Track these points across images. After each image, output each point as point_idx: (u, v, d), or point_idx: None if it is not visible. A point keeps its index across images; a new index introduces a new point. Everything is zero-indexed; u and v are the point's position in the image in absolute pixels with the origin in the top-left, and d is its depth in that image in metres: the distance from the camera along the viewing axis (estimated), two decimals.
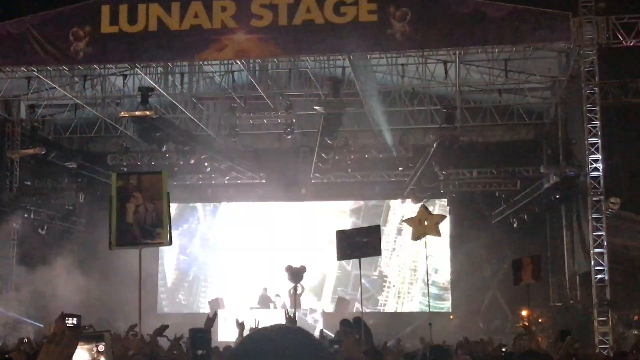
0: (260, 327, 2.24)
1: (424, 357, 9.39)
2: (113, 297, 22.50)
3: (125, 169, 25.04)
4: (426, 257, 16.77)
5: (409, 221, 16.69)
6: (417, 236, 16.22)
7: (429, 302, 17.39)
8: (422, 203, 21.00)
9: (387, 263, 27.51)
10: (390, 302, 27.55)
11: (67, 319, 8.51)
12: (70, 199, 26.43)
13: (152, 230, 8.36)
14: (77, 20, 20.67)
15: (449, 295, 26.91)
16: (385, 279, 27.54)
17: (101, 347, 5.06)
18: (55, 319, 8.59)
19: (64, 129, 26.41)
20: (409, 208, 26.27)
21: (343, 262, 23.24)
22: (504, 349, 11.32)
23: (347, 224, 26.18)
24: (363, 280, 16.37)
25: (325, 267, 27.37)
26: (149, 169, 24.83)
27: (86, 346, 5.03)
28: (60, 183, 26.29)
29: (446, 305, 26.92)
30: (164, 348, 8.73)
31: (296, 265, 16.49)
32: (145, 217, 8.32)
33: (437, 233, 16.47)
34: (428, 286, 18.38)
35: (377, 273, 27.48)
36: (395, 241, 27.67)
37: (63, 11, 21.06)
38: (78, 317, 9.45)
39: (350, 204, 28.29)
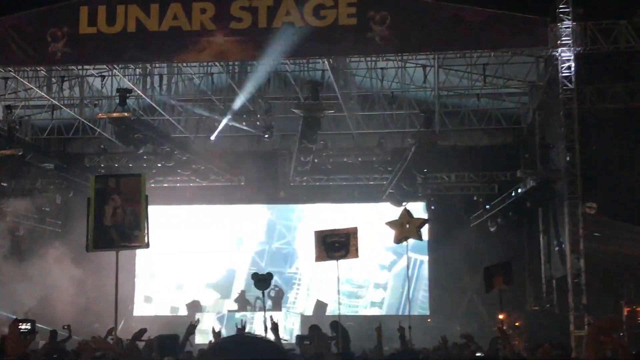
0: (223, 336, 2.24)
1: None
2: (89, 298, 22.38)
3: (103, 171, 24.94)
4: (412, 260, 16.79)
5: (391, 224, 16.71)
6: (398, 239, 16.25)
7: (409, 306, 17.41)
8: (404, 206, 21.00)
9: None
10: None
11: (20, 324, 8.46)
12: (48, 201, 26.27)
13: (130, 233, 8.32)
14: (55, 21, 20.56)
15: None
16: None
17: None
18: (9, 324, 8.51)
19: (41, 130, 26.25)
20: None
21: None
22: (478, 354, 11.36)
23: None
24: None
25: (304, 270, 27.43)
26: (126, 170, 24.75)
27: None
28: (37, 184, 26.13)
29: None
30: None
31: (262, 272, 16.45)
32: (124, 219, 8.28)
33: (419, 236, 16.51)
34: (408, 289, 18.36)
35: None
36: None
37: (41, 12, 20.94)
38: (32, 322, 9.42)
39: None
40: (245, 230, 28.58)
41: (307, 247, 23.27)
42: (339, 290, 14.91)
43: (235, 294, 27.62)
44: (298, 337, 10.42)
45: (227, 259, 28.36)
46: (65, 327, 13.11)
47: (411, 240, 16.16)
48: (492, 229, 24.99)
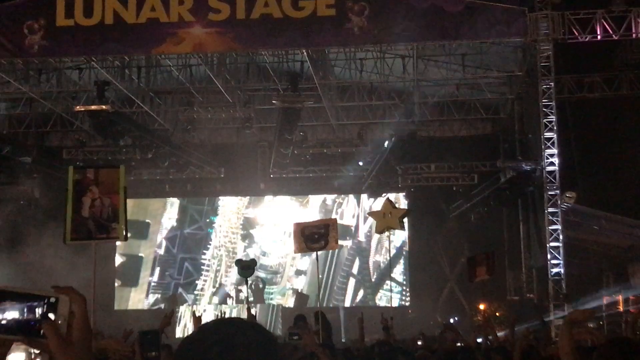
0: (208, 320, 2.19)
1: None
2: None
3: (81, 164, 24.77)
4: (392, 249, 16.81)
5: (373, 214, 16.71)
6: (380, 229, 16.27)
7: (391, 297, 17.44)
8: (386, 196, 20.98)
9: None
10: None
11: None
12: (25, 194, 26.07)
13: (108, 225, 8.23)
14: (32, 13, 20.38)
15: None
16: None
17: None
18: None
19: (18, 124, 26.01)
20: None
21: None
22: (459, 343, 11.36)
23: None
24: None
25: (285, 260, 27.42)
26: (105, 163, 24.59)
27: (23, 346, 4.96)
28: (15, 178, 25.90)
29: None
30: None
31: (246, 259, 16.40)
32: (101, 211, 8.18)
33: (401, 227, 16.54)
34: (391, 283, 18.36)
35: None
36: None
37: (17, 4, 20.74)
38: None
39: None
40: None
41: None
42: (319, 281, 14.94)
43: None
44: (289, 331, 10.31)
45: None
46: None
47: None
48: (472, 219, 25.06)
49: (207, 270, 27.82)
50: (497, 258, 14.23)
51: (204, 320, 10.20)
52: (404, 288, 27.23)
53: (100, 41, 20.31)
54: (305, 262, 27.19)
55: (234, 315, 24.36)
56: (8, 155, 24.26)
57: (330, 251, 26.08)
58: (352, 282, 27.64)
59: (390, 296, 17.49)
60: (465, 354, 7.23)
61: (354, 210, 28.11)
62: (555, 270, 19.62)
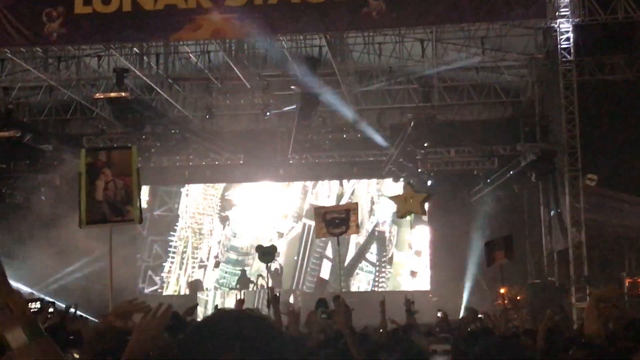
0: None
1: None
2: (93, 278, 22.54)
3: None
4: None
5: (395, 199, 16.72)
6: (402, 214, 16.28)
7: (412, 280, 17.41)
8: (407, 181, 20.97)
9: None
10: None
11: (29, 304, 8.44)
12: (46, 182, 26.22)
13: (122, 208, 8.20)
14: (50, 1, 20.39)
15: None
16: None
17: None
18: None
19: (39, 112, 26.14)
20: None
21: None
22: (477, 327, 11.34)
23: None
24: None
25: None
26: (117, 145, 24.66)
27: None
28: (36, 166, 26.04)
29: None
30: None
31: (267, 244, 16.45)
32: (115, 194, 8.16)
33: (422, 211, 16.56)
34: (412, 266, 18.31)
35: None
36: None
37: None
38: (41, 300, 9.39)
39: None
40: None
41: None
42: (339, 267, 14.95)
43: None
44: (319, 301, 10.15)
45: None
46: (73, 305, 13.07)
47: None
48: (492, 203, 24.95)
49: (175, 253, 28.02)
50: (517, 242, 14.20)
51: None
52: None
53: (119, 28, 20.32)
54: (281, 244, 27.26)
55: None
56: (29, 143, 24.41)
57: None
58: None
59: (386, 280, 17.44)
60: (488, 337, 7.18)
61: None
62: (576, 253, 19.52)
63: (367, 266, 27.29)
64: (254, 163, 27.08)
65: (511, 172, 23.57)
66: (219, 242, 28.03)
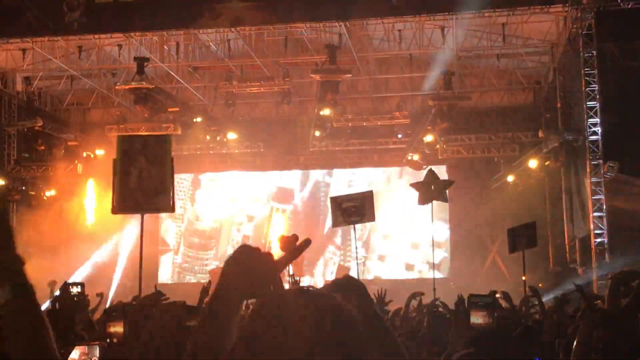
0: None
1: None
2: (110, 266, 22.71)
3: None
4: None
5: (416, 185, 16.67)
6: (424, 200, 16.23)
7: (433, 269, 17.39)
8: (429, 167, 20.91)
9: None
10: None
11: (71, 287, 8.53)
12: (69, 170, 26.39)
13: (156, 196, 8.22)
14: None
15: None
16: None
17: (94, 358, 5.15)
18: (60, 288, 8.53)
19: (60, 101, 26.31)
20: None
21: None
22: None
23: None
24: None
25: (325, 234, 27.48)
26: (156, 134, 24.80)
27: (79, 351, 5.10)
28: (58, 154, 26.21)
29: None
30: None
31: (288, 234, 16.52)
32: (149, 182, 8.17)
33: (444, 198, 16.51)
34: (433, 252, 18.24)
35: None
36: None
37: None
38: (82, 285, 9.47)
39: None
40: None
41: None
42: (356, 254, 14.96)
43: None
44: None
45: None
46: (98, 294, 13.18)
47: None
48: (513, 190, 24.87)
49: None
50: (539, 229, 14.14)
51: None
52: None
53: (139, 17, 20.38)
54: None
55: None
56: (51, 132, 24.56)
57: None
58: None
59: (433, 269, 17.45)
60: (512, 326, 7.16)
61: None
62: (598, 240, 19.45)
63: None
64: (274, 151, 27.11)
65: (533, 159, 23.47)
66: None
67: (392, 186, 27.58)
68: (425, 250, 26.06)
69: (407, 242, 27.37)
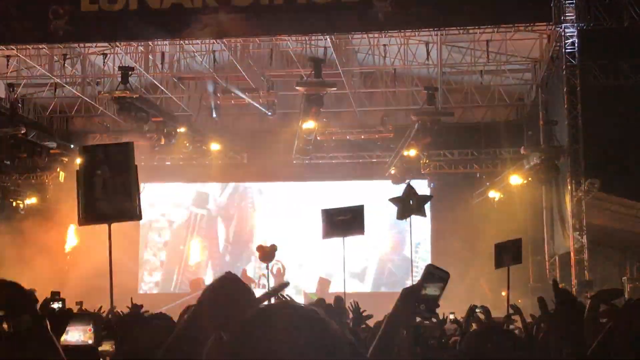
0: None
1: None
2: (93, 277, 22.47)
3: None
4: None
5: (395, 200, 16.70)
6: (402, 215, 16.26)
7: (412, 280, 17.43)
8: (408, 182, 20.96)
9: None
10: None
11: (52, 302, 8.47)
12: (51, 179, 26.29)
13: (121, 205, 8.15)
14: None
15: None
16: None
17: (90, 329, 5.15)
18: (41, 305, 8.47)
19: (44, 109, 26.23)
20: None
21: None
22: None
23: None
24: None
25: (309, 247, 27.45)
26: (115, 142, 24.68)
27: (80, 327, 5.09)
28: (40, 163, 26.10)
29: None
30: None
31: (267, 245, 16.51)
32: (113, 191, 8.09)
33: (423, 213, 16.53)
34: (412, 267, 18.32)
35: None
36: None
37: None
38: (63, 300, 9.41)
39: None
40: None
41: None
42: (344, 268, 14.97)
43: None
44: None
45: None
46: (77, 303, 13.08)
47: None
48: (495, 206, 24.97)
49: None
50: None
51: None
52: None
53: (125, 27, 20.37)
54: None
55: None
56: (33, 140, 24.45)
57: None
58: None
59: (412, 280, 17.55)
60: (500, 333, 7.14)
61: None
62: (578, 257, 19.54)
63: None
64: (258, 163, 27.10)
65: (514, 175, 23.59)
66: None
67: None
68: (404, 264, 26.18)
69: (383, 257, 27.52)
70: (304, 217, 26.53)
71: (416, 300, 2.84)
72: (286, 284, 2.29)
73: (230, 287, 2.14)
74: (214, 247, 28.55)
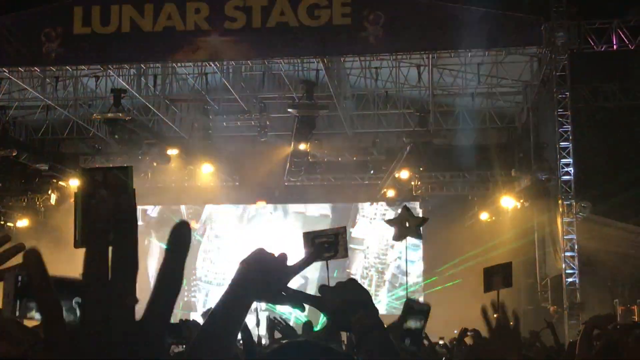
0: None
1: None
2: None
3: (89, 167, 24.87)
4: (404, 259, 16.82)
5: (391, 222, 16.73)
6: (398, 237, 16.28)
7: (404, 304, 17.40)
8: (403, 204, 20.99)
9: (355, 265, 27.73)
10: None
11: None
12: (43, 201, 26.23)
13: None
14: (49, 21, 20.52)
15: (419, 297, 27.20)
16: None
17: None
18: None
19: (35, 131, 26.18)
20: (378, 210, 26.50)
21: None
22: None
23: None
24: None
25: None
26: (114, 165, 24.62)
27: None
28: (32, 185, 26.07)
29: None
30: None
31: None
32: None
33: (418, 235, 16.57)
34: (407, 288, 18.33)
35: (345, 275, 27.58)
36: (363, 243, 27.93)
37: (35, 12, 20.90)
38: None
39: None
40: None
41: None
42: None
43: None
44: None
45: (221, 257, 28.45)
46: None
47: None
48: (486, 228, 25.01)
49: None
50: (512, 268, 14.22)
51: None
52: None
53: (117, 49, 20.42)
54: None
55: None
56: (24, 162, 24.43)
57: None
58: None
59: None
60: None
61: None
62: (570, 279, 19.57)
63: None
64: (250, 185, 27.12)
65: (505, 198, 23.65)
66: None
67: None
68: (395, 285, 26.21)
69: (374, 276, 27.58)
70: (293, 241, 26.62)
71: (400, 336, 2.85)
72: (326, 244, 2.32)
73: (264, 258, 2.15)
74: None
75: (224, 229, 28.84)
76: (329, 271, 12.53)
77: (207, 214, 29.13)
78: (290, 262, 2.15)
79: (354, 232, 27.30)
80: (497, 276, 13.19)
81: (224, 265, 27.57)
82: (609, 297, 22.27)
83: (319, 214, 28.43)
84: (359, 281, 2.47)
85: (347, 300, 2.09)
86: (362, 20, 19.49)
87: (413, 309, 2.93)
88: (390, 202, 26.01)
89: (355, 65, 22.75)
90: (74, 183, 24.73)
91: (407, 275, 18.55)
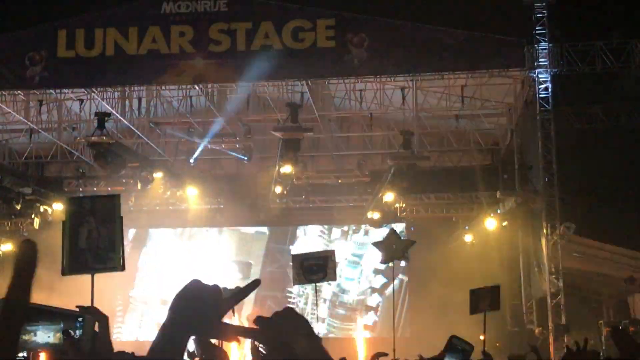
0: None
1: None
2: None
3: (81, 195, 24.78)
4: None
5: (378, 245, 16.72)
6: (386, 260, 16.28)
7: (393, 325, 17.39)
8: (391, 227, 21.00)
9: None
10: None
11: None
12: (25, 225, 26.08)
13: (105, 256, 8.20)
14: (33, 45, 20.52)
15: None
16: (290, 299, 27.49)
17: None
18: None
19: (19, 154, 26.05)
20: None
21: None
22: None
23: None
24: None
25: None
26: (102, 193, 24.58)
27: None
28: (15, 209, 25.88)
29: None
30: None
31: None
32: (98, 241, 8.17)
33: (406, 258, 16.58)
34: (394, 308, 18.28)
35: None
36: None
37: (19, 35, 20.90)
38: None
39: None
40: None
41: None
42: (317, 315, 14.95)
43: None
44: None
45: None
46: None
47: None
48: (471, 250, 25.03)
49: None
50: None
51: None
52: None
53: (101, 73, 20.43)
54: (376, 298, 27.32)
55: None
56: (8, 186, 24.28)
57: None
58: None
59: (397, 328, 17.43)
60: None
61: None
62: (555, 300, 19.59)
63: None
64: (235, 207, 27.05)
65: (490, 219, 23.69)
66: None
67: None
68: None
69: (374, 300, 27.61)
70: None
71: None
72: (258, 282, 2.27)
73: (197, 291, 2.15)
74: None
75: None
76: (317, 293, 12.43)
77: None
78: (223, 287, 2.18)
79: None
80: (484, 298, 13.20)
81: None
82: (594, 318, 22.32)
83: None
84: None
85: (287, 332, 2.07)
86: (346, 43, 19.58)
87: (455, 346, 2.91)
88: (375, 224, 26.02)
89: (340, 87, 22.80)
90: (57, 207, 24.60)
91: (394, 299, 18.49)
